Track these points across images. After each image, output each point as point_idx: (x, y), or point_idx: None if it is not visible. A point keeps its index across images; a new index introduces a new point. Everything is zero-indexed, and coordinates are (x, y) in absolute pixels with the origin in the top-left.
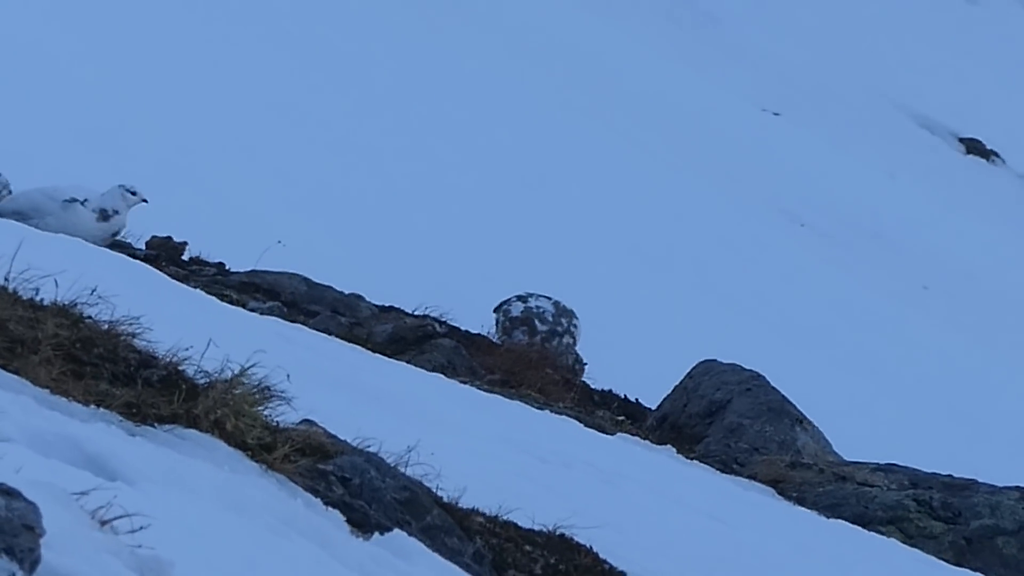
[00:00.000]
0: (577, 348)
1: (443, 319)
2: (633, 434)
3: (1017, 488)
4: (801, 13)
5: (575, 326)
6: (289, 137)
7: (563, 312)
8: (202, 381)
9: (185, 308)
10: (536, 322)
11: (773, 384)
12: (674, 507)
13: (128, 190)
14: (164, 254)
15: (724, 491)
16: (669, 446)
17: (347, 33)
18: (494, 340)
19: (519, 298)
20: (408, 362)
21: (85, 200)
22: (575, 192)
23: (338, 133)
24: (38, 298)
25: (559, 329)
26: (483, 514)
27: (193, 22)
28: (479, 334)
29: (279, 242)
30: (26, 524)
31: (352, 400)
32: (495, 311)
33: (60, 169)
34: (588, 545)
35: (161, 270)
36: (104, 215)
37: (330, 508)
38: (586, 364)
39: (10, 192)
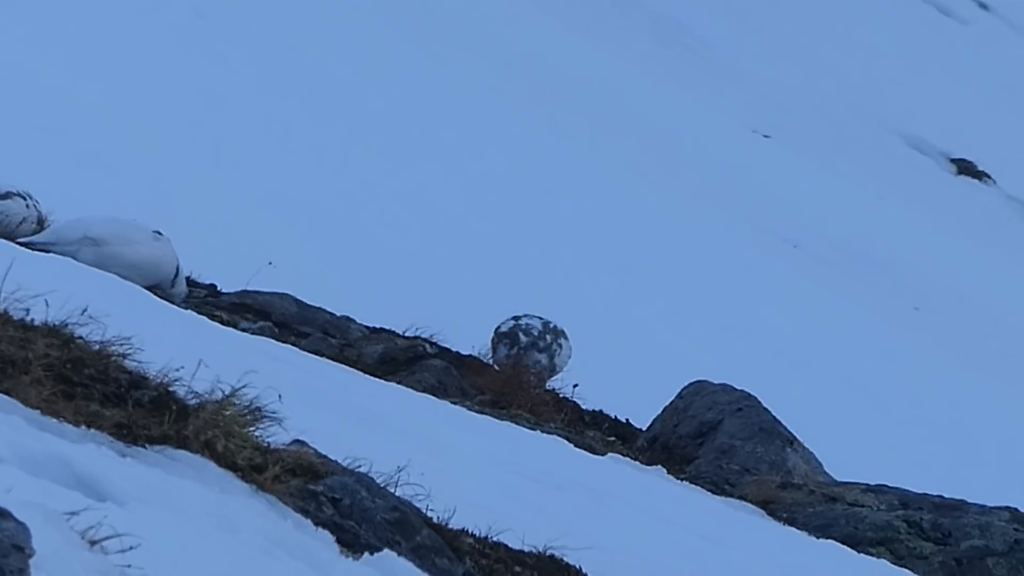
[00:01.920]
0: (556, 366)
1: (433, 340)
2: (624, 454)
3: (1007, 509)
4: (791, 35)
5: (559, 345)
6: (280, 159)
7: (551, 331)
8: (193, 402)
9: (176, 329)
10: (520, 335)
11: (764, 405)
12: (664, 528)
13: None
14: None
15: (714, 512)
16: (659, 467)
17: (339, 55)
18: (484, 361)
19: (514, 317)
20: (399, 383)
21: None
22: (566, 213)
23: (329, 155)
24: (28, 318)
25: (540, 344)
26: (473, 535)
27: (186, 45)
28: (470, 355)
29: (270, 263)
30: (16, 544)
31: (343, 421)
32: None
33: (51, 190)
34: (578, 566)
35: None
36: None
37: (320, 528)
38: (576, 385)
39: (40, 224)
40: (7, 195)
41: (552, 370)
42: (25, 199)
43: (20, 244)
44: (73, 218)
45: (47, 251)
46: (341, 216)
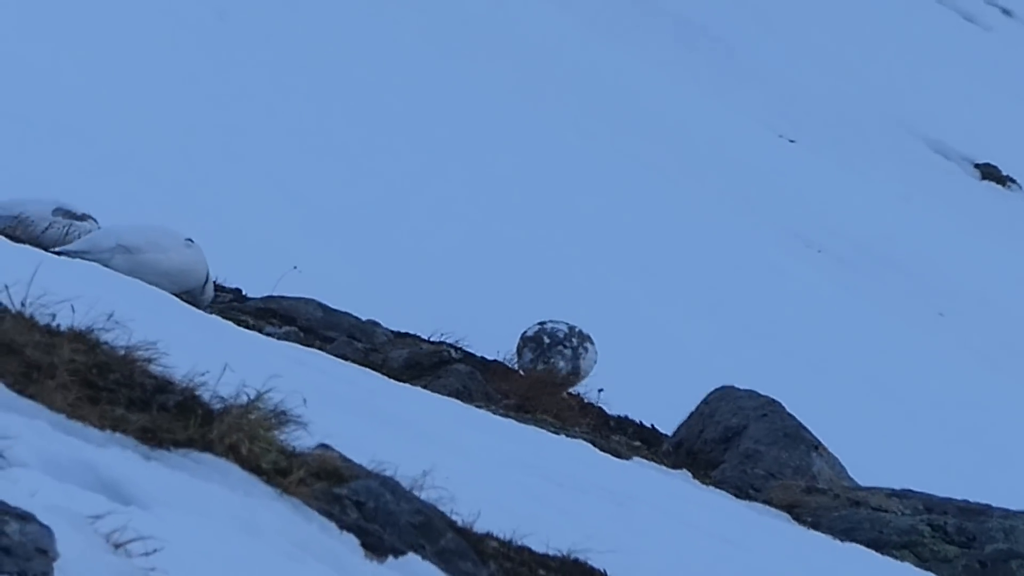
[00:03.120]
0: (581, 369)
1: (459, 345)
2: (649, 459)
3: None
4: (816, 40)
5: (584, 349)
6: (305, 163)
7: (576, 335)
8: (218, 406)
9: (201, 333)
10: (545, 339)
11: (789, 410)
12: (689, 532)
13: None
14: None
15: (739, 516)
16: (684, 471)
17: (363, 59)
18: (509, 366)
19: (540, 322)
20: (424, 387)
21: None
22: (590, 217)
23: (353, 159)
24: (55, 323)
25: (566, 348)
26: (497, 538)
27: (208, 47)
28: (495, 360)
29: (295, 268)
30: (40, 548)
31: (368, 424)
32: None
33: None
34: (602, 569)
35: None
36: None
37: (345, 532)
38: (601, 390)
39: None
40: (83, 217)
41: (577, 374)
42: (96, 221)
43: (55, 252)
44: (106, 226)
45: (79, 259)
46: (366, 221)
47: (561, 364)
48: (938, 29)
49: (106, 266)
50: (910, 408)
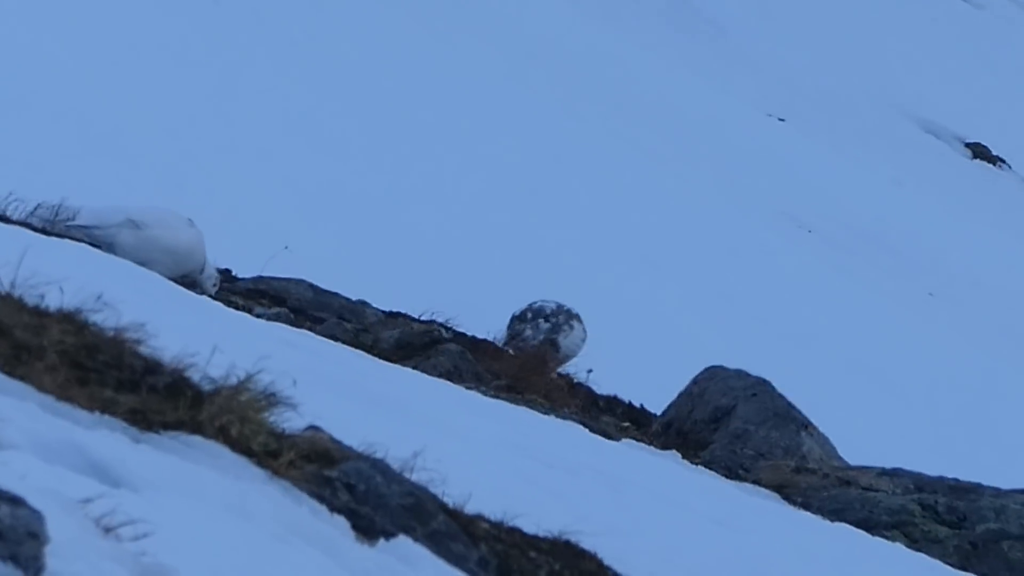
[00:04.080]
0: (564, 345)
1: (449, 325)
2: (638, 440)
3: (1023, 492)
4: (806, 20)
5: (571, 327)
6: (295, 143)
7: (563, 312)
8: (208, 388)
9: (191, 314)
10: (528, 314)
11: (778, 390)
12: (679, 512)
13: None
14: None
15: (729, 496)
16: (674, 451)
17: (354, 42)
18: (500, 346)
19: (530, 303)
20: (414, 368)
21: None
22: (581, 198)
23: (345, 141)
24: (43, 305)
25: (551, 320)
26: (488, 520)
27: (202, 31)
28: (485, 340)
29: (285, 248)
30: (31, 532)
31: (358, 406)
32: None
33: (65, 175)
34: (593, 551)
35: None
36: None
37: (335, 514)
38: (591, 370)
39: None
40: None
41: (561, 348)
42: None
43: (65, 226)
44: (111, 204)
45: (88, 233)
46: (357, 201)
47: (528, 333)
48: (930, 8)
49: (112, 242)
50: (900, 388)
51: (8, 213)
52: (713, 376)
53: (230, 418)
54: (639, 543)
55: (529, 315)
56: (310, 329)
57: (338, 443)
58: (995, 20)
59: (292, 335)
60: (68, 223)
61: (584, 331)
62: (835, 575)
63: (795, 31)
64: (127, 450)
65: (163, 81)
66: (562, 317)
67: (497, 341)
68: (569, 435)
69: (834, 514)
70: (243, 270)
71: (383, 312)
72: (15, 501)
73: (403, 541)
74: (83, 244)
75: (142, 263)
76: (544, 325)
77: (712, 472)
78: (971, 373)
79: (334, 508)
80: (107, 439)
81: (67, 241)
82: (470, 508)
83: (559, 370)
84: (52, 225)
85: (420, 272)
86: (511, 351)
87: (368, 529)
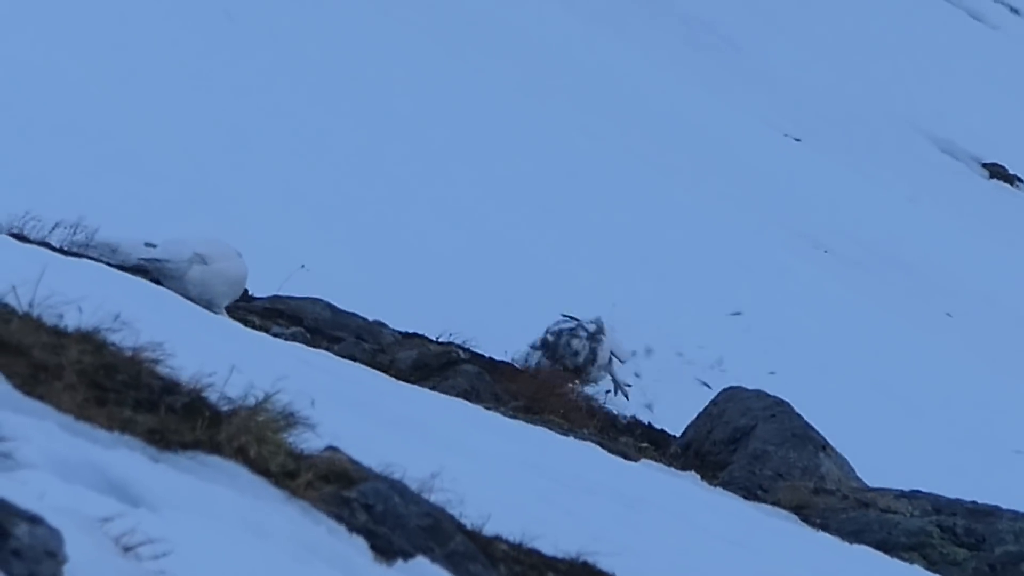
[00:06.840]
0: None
1: (466, 346)
2: (657, 460)
3: None
4: (822, 38)
5: (602, 337)
6: (312, 163)
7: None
8: (225, 408)
9: (208, 334)
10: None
11: (797, 411)
12: (697, 533)
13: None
14: None
15: (747, 517)
16: (692, 472)
17: (369, 59)
18: (517, 367)
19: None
20: (432, 388)
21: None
22: (596, 217)
23: (360, 159)
24: (62, 324)
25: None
26: (506, 541)
27: (215, 47)
28: (503, 361)
29: (303, 267)
30: (49, 551)
31: (376, 426)
32: None
33: (80, 193)
34: (611, 572)
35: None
36: None
37: (354, 535)
38: (608, 392)
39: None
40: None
41: (592, 362)
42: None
43: (138, 259)
44: (174, 237)
45: (159, 267)
46: (373, 221)
47: (575, 344)
48: (945, 27)
49: (181, 276)
50: (918, 409)
51: (26, 232)
52: (732, 397)
53: (248, 438)
54: (657, 564)
55: (554, 331)
56: (327, 349)
57: (356, 463)
58: (1012, 40)
59: (309, 355)
60: (140, 257)
61: (605, 342)
62: None
63: (811, 50)
64: (146, 469)
65: (178, 99)
66: (593, 327)
67: (515, 362)
68: (587, 456)
69: (852, 536)
70: (259, 289)
71: (400, 333)
72: (34, 520)
73: (421, 562)
74: (102, 264)
75: (208, 296)
76: (580, 342)
77: (730, 493)
78: (989, 394)
79: (352, 528)
80: (126, 458)
81: (84, 260)
82: (488, 529)
83: (577, 391)
84: (113, 255)
85: (437, 292)
86: (557, 367)
87: (386, 550)
